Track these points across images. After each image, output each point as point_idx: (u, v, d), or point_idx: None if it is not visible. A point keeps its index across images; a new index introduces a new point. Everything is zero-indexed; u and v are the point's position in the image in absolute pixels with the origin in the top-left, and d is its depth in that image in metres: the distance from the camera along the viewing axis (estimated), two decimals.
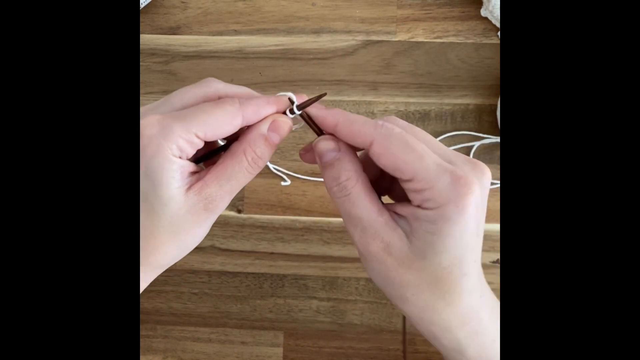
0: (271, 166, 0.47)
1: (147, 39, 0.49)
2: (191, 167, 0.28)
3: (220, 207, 0.28)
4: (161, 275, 0.48)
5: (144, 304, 0.48)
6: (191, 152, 0.27)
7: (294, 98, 0.29)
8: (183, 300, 0.48)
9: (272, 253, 0.48)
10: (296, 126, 0.30)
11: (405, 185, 0.27)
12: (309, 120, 0.30)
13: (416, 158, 0.27)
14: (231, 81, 0.48)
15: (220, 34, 0.49)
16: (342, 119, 0.28)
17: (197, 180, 0.27)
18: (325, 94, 0.29)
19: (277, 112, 0.29)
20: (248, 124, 0.28)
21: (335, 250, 0.47)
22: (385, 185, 0.32)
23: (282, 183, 0.47)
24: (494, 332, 0.29)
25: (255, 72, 0.48)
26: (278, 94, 0.30)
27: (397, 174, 0.27)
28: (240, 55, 0.48)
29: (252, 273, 0.48)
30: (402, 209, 0.28)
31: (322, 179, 0.47)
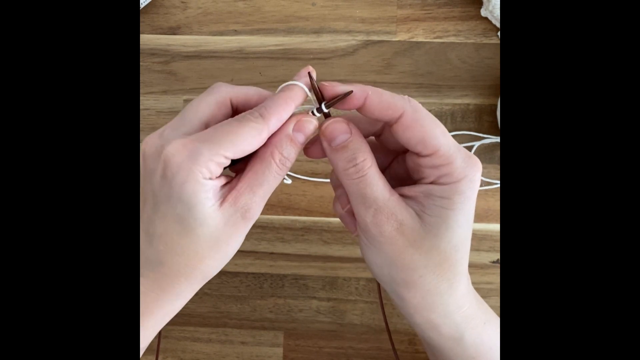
0: None
1: (147, 39, 0.49)
2: (222, 181, 0.28)
3: (256, 213, 0.28)
4: None
5: None
6: (220, 171, 0.27)
7: (317, 89, 0.28)
8: None
9: (272, 253, 0.48)
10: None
11: (422, 161, 0.28)
12: (325, 100, 0.29)
13: (442, 133, 0.28)
14: (231, 81, 0.48)
15: (220, 34, 0.49)
16: (371, 89, 0.28)
17: (230, 190, 0.28)
18: (352, 92, 0.28)
19: (300, 113, 0.29)
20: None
21: (335, 250, 0.47)
22: None
23: (285, 181, 0.47)
24: (483, 315, 0.31)
25: (255, 72, 0.48)
26: (289, 83, 0.29)
27: (418, 148, 0.28)
28: (240, 55, 0.48)
29: (252, 273, 0.48)
30: (411, 189, 0.29)
31: (321, 180, 0.47)
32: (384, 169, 0.32)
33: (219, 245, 0.28)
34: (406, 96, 0.28)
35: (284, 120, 0.28)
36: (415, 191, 0.28)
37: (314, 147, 0.31)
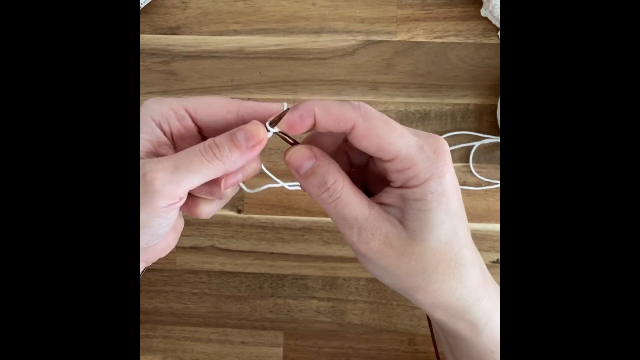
0: (264, 169, 0.47)
1: (147, 39, 0.49)
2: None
3: (160, 182, 0.27)
4: (161, 275, 0.48)
5: (144, 304, 0.48)
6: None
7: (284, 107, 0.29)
8: (183, 300, 0.48)
9: (272, 253, 0.48)
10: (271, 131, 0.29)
11: (386, 166, 0.27)
12: (281, 132, 0.28)
13: (399, 137, 0.27)
14: (231, 81, 0.48)
15: (220, 34, 0.49)
16: (318, 106, 0.27)
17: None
18: (288, 109, 0.28)
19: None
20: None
21: (335, 250, 0.47)
22: None
23: (288, 186, 0.47)
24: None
25: (255, 72, 0.48)
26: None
27: (378, 155, 0.27)
28: (240, 55, 0.48)
29: (252, 273, 0.48)
30: (387, 196, 0.28)
31: None
32: (363, 167, 0.32)
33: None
34: (357, 103, 0.27)
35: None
36: (392, 198, 0.28)
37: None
